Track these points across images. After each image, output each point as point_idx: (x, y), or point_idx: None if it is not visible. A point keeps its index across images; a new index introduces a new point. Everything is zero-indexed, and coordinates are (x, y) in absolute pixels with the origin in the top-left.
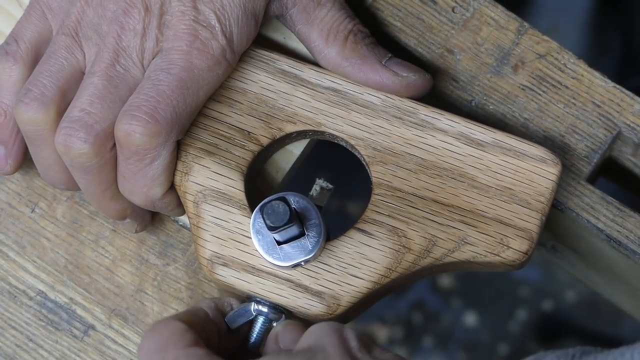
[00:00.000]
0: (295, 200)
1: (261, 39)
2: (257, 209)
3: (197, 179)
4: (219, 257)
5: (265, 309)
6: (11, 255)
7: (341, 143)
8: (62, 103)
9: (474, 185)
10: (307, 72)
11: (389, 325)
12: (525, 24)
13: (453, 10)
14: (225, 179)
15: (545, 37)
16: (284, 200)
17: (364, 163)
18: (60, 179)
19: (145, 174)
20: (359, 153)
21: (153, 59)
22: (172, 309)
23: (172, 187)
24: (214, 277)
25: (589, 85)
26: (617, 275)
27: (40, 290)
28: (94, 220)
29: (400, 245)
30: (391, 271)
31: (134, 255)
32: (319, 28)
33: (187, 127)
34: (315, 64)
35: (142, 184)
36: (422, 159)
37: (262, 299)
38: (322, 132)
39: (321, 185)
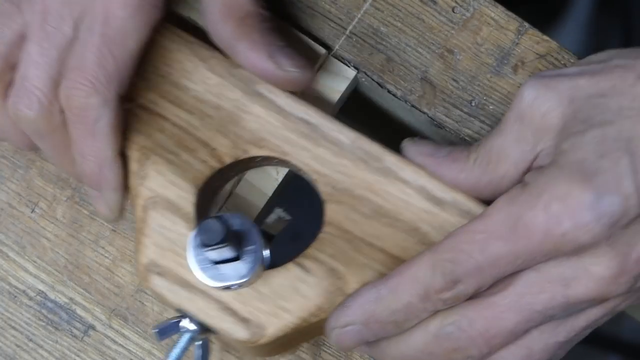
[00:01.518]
0: (240, 222)
1: None
2: (197, 226)
3: (151, 184)
4: (155, 266)
5: (193, 327)
6: (11, 255)
7: (304, 176)
8: (8, 71)
9: (424, 242)
10: (283, 100)
11: None
12: (525, 24)
13: (453, 10)
14: (179, 190)
15: (545, 37)
16: (221, 219)
17: (321, 200)
18: (22, 142)
19: (91, 135)
20: (318, 189)
21: (79, 15)
22: (172, 309)
23: (119, 161)
24: (146, 285)
25: None
26: None
27: (40, 290)
28: (94, 220)
29: (336, 288)
30: (322, 311)
31: (134, 255)
32: (222, 2)
33: (127, 79)
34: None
35: (90, 146)
36: (378, 205)
37: (191, 316)
38: (287, 162)
39: (279, 215)
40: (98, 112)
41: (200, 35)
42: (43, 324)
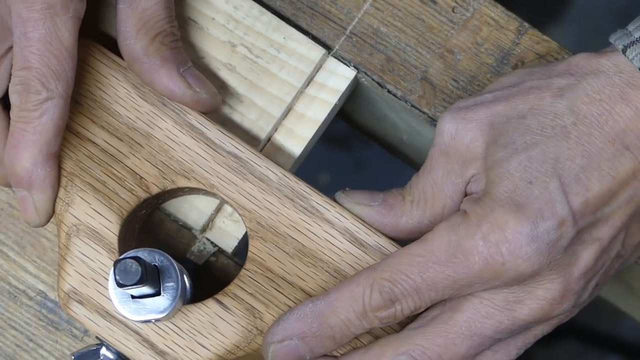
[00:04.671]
0: (159, 258)
1: (261, 37)
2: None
3: (76, 211)
4: (76, 294)
5: (111, 356)
6: (11, 255)
7: (233, 208)
8: None
9: None
10: (214, 132)
11: None
12: (525, 23)
13: (453, 10)
14: (103, 219)
15: (545, 37)
16: (138, 260)
17: (247, 235)
18: None
19: (32, 130)
20: (244, 224)
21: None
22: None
23: (55, 161)
24: (67, 311)
25: None
26: (617, 275)
27: (40, 290)
28: None
29: (254, 327)
30: (238, 349)
31: None
32: (137, 17)
33: (71, 78)
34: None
35: (29, 141)
36: (302, 245)
37: (109, 345)
38: (214, 194)
39: (205, 246)
40: (44, 107)
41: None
42: (43, 324)
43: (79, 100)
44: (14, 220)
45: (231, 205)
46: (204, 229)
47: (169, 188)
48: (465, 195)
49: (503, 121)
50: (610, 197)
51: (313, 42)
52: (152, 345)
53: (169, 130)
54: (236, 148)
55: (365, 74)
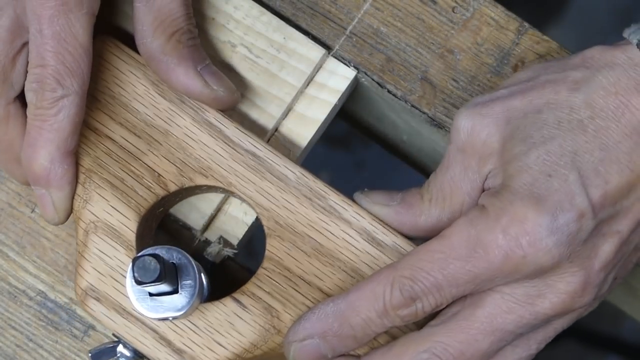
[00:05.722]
0: (177, 256)
1: (261, 37)
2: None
3: (94, 208)
4: (93, 291)
5: (128, 353)
6: (11, 255)
7: (248, 206)
8: None
9: None
10: (232, 130)
11: None
12: (525, 24)
13: (453, 10)
14: (121, 216)
15: (545, 37)
16: (157, 257)
17: (264, 233)
18: None
19: (49, 128)
20: (261, 222)
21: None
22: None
23: (73, 159)
24: (84, 308)
25: None
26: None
27: (40, 290)
28: None
29: (271, 325)
30: (256, 348)
31: None
32: (154, 15)
33: (87, 74)
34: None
35: (46, 139)
36: (320, 244)
37: (126, 342)
38: (232, 192)
39: (220, 247)
40: (60, 105)
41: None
42: (43, 324)
43: (97, 97)
44: (14, 220)
45: (249, 204)
46: (204, 229)
47: (186, 186)
48: (483, 191)
49: (519, 116)
50: (629, 189)
51: (313, 42)
52: (169, 343)
53: (187, 127)
54: (254, 146)
55: (365, 74)
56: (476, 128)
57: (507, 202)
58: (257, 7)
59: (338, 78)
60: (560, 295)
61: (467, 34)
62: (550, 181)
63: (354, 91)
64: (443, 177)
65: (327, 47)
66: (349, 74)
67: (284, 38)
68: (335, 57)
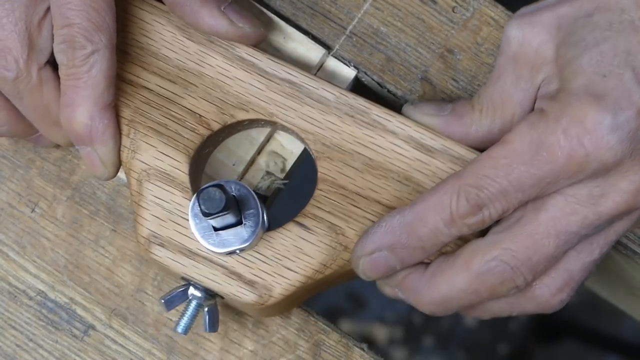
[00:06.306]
0: (236, 188)
1: None
2: (196, 193)
3: (143, 157)
4: (156, 237)
5: (199, 294)
6: (11, 255)
7: (292, 135)
8: None
9: (419, 190)
10: (265, 62)
11: (389, 325)
12: None
13: (453, 10)
14: (171, 160)
15: None
16: (221, 187)
17: (312, 157)
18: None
19: (84, 85)
20: (308, 147)
21: None
22: (173, 309)
23: (112, 112)
24: (149, 256)
25: None
26: (616, 275)
27: (40, 290)
28: (94, 220)
29: (337, 243)
30: (326, 267)
31: (134, 255)
32: None
33: (113, 29)
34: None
35: (82, 97)
36: (369, 158)
37: (196, 282)
38: (274, 123)
39: (272, 179)
40: (91, 61)
41: None
42: (43, 324)
43: (126, 50)
44: (14, 220)
45: (293, 131)
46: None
47: (229, 122)
48: (536, 100)
49: (570, 22)
50: None
51: (313, 42)
52: (239, 277)
53: (220, 66)
54: (289, 74)
55: (365, 73)
56: (527, 37)
57: (565, 103)
58: (257, 7)
59: (338, 78)
60: (623, 194)
61: (467, 33)
62: (606, 81)
63: (354, 91)
64: (493, 87)
65: (327, 47)
66: (349, 73)
67: (284, 38)
68: (335, 57)
